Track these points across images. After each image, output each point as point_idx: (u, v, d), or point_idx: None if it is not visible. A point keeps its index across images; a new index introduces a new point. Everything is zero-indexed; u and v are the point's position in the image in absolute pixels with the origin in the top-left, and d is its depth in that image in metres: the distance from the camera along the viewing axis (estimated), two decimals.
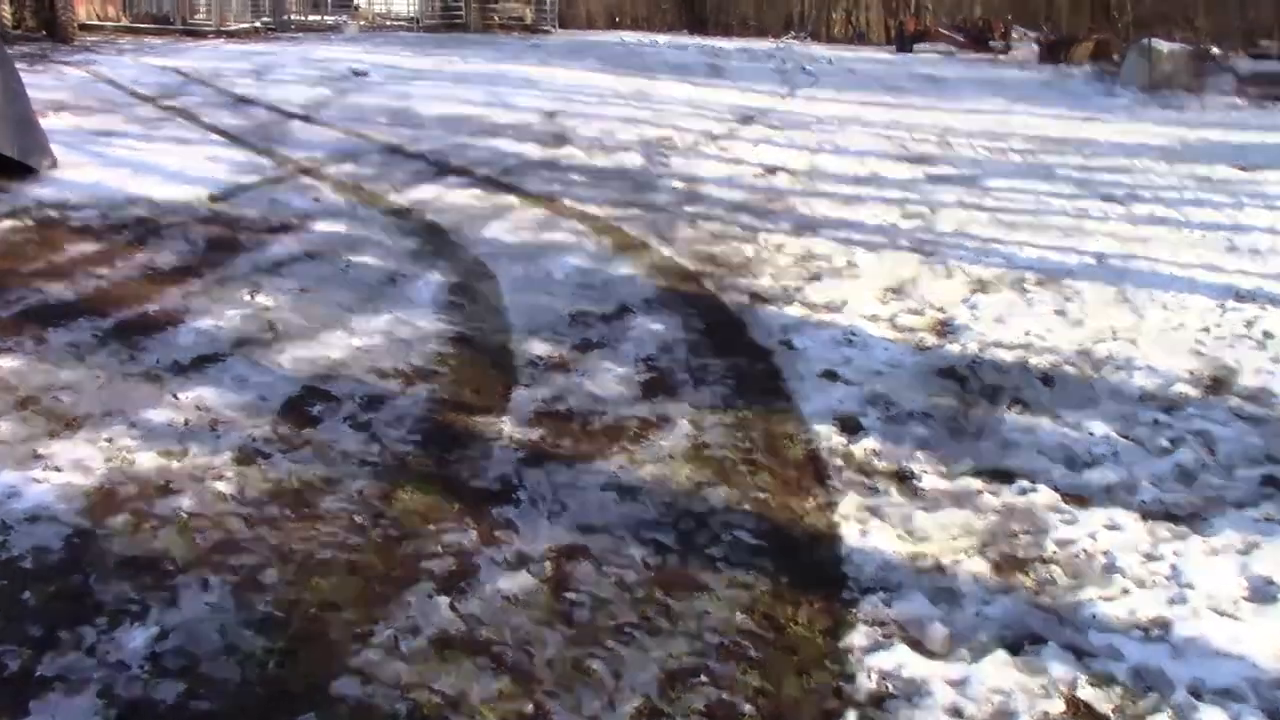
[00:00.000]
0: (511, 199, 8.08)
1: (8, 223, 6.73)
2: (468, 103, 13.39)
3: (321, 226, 6.97)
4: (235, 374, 4.33)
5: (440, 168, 9.20)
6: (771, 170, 9.63)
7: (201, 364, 4.43)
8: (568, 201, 8.06)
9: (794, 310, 5.62)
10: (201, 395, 4.08)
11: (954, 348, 5.11)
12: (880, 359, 4.92)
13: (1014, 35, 29.58)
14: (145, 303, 5.21)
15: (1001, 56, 26.62)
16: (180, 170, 8.57)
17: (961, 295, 6.02)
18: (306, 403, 4.10)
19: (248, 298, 5.35)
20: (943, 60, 25.18)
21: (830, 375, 4.67)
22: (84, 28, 23.84)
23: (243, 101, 13.09)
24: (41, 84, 13.44)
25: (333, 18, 31.71)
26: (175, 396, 4.07)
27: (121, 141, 9.84)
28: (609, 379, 4.51)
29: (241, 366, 4.42)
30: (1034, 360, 4.95)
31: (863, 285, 6.15)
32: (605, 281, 5.98)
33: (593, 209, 7.83)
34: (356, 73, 16.16)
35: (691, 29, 39.28)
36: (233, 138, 10.39)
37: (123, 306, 5.12)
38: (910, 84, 18.63)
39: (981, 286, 6.22)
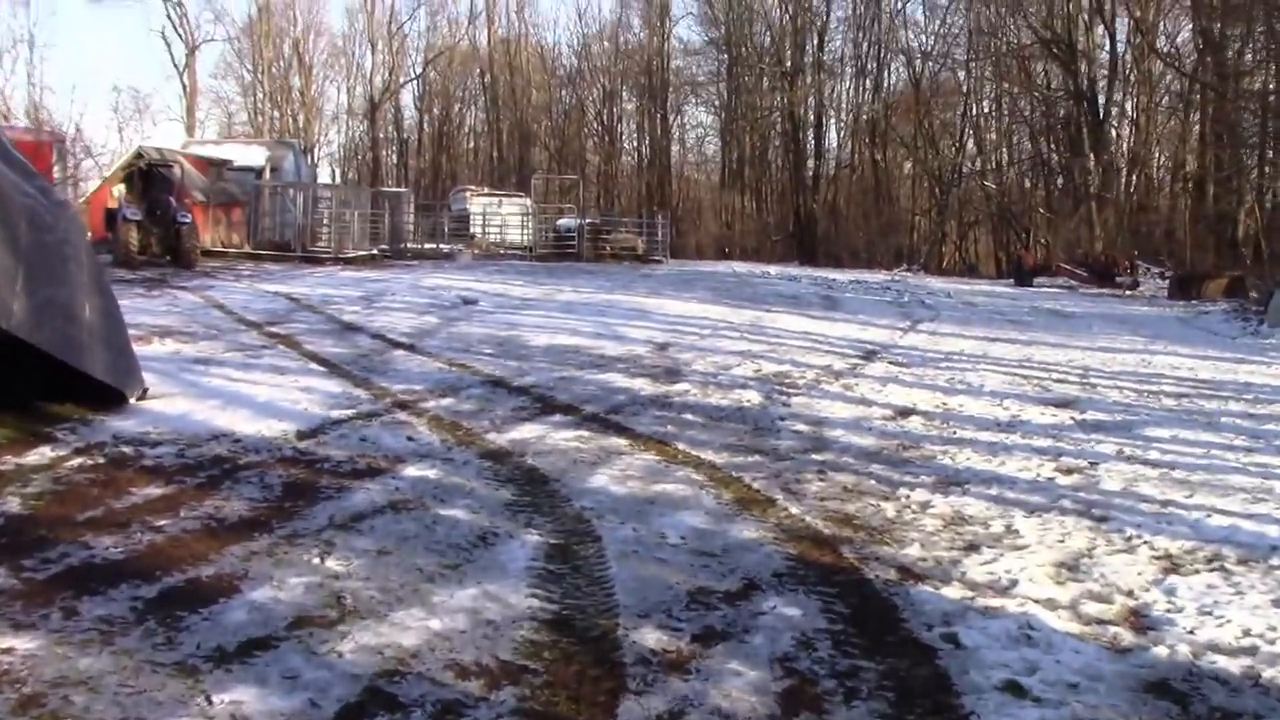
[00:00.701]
0: (620, 441, 7.38)
1: (77, 460, 6.23)
2: (576, 333, 12.97)
3: (411, 471, 6.32)
4: (286, 667, 3.57)
5: (545, 404, 8.60)
6: (903, 413, 8.83)
7: (248, 652, 3.68)
8: (681, 445, 7.33)
9: (954, 592, 4.70)
10: (240, 700, 3.33)
11: (1160, 651, 4.14)
12: (1072, 665, 3.96)
13: (1139, 270, 28.91)
14: (200, 564, 4.53)
15: (1129, 292, 25.85)
16: (272, 402, 8.11)
17: (1151, 576, 5.04)
18: (367, 713, 3.31)
19: (317, 561, 4.65)
20: (1065, 294, 24.51)
21: (1014, 689, 3.73)
22: (208, 254, 24.61)
23: (348, 329, 12.86)
24: (153, 309, 13.48)
25: (448, 246, 32.52)
26: (209, 700, 3.32)
27: (218, 370, 9.50)
28: (738, 686, 3.64)
29: (295, 657, 3.66)
30: (1268, 673, 3.94)
31: (1030, 559, 5.22)
32: (727, 548, 5.16)
33: (709, 455, 7.08)
34: (466, 300, 16.01)
35: (801, 260, 39.47)
36: (332, 366, 10.00)
37: (174, 569, 4.45)
38: (1036, 319, 17.89)
39: (1172, 565, 5.24)
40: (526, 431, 7.56)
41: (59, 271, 7.27)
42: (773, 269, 30.76)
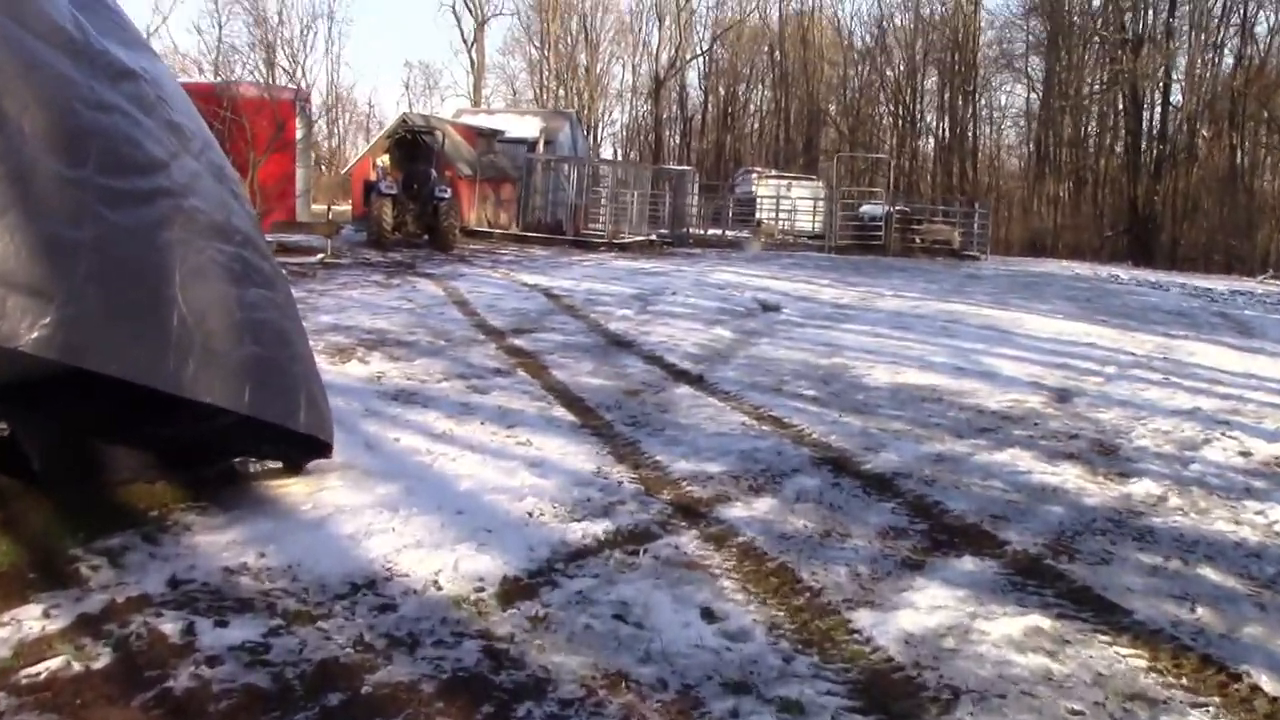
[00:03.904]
0: (1118, 651, 3.66)
1: (54, 660, 3.09)
2: (925, 365, 9.20)
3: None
4: None
5: (931, 524, 4.95)
6: None
7: None
8: (1236, 667, 3.54)
9: None
10: None
11: None
12: None
13: None
14: None
15: None
16: (477, 496, 4.88)
17: None
18: None
19: None
20: None
21: None
22: (470, 234, 22.20)
23: (614, 344, 9.58)
24: (379, 305, 10.67)
25: (733, 233, 29.15)
26: None
27: (420, 415, 6.38)
28: None
29: None
30: None
31: None
32: None
33: None
34: (766, 306, 12.49)
35: (1135, 261, 33.85)
36: (585, 415, 6.71)
37: None
38: None
39: None
40: (921, 603, 3.94)
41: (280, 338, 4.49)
42: (1119, 271, 25.72)
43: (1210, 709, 3.28)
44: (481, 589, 3.86)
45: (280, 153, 15.79)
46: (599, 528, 4.57)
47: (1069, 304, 15.55)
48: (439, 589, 3.84)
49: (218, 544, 4.13)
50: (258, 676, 3.10)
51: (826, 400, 7.59)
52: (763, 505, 5.05)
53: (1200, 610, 4.03)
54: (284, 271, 12.26)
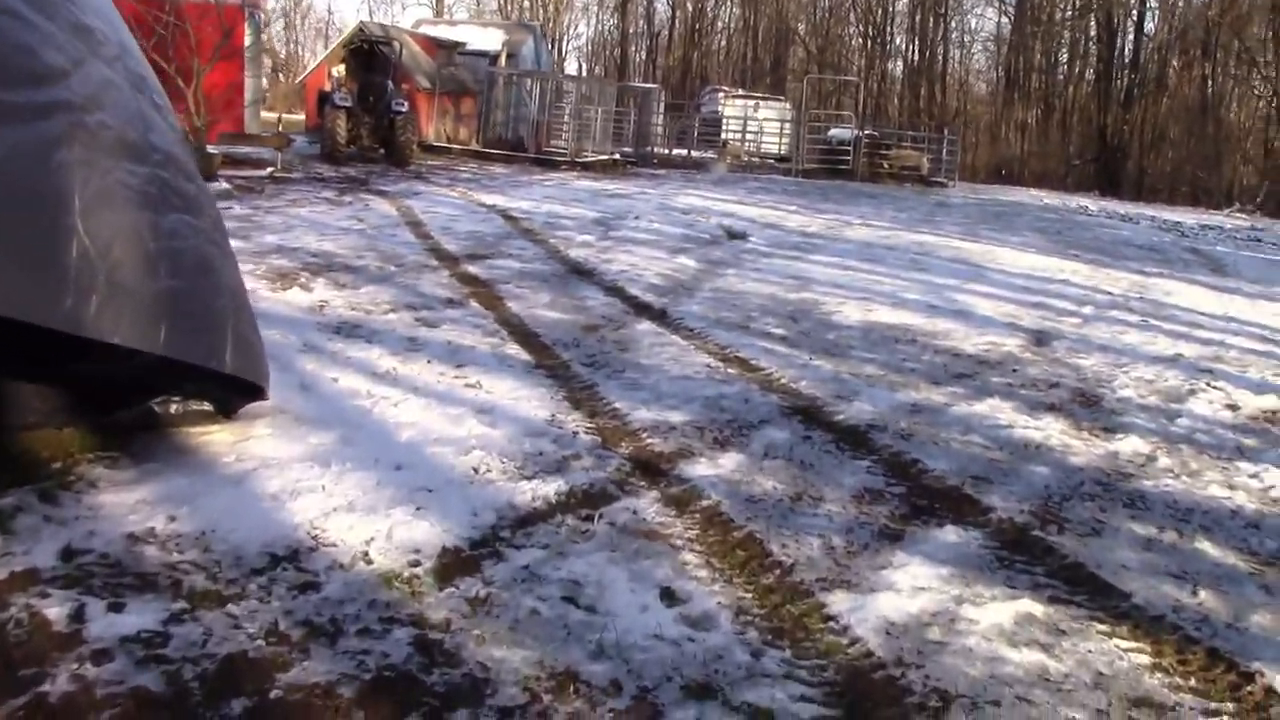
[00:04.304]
0: (1123, 644, 3.34)
1: None
2: (898, 301, 8.83)
3: None
4: None
5: (909, 486, 4.60)
6: None
7: None
8: (1247, 664, 3.23)
9: None
10: None
11: None
12: None
13: None
14: None
15: None
16: (418, 447, 4.46)
17: None
18: None
19: None
20: None
21: None
22: (429, 149, 21.49)
23: (574, 273, 9.12)
24: (327, 224, 10.13)
25: (698, 153, 28.54)
26: None
27: (364, 351, 5.93)
28: None
29: None
30: None
31: None
32: None
33: None
34: (731, 234, 12.04)
35: (1102, 191, 33.64)
36: (540, 353, 6.28)
37: None
38: None
39: None
40: (903, 584, 3.59)
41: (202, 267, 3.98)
42: (1088, 202, 25.43)
43: (1225, 717, 2.95)
44: (417, 563, 3.47)
45: (227, 61, 15.01)
46: (550, 488, 4.17)
47: (1040, 236, 15.23)
48: (369, 562, 3.43)
49: (124, 504, 3.70)
50: (150, 677, 2.69)
51: (795, 340, 7.21)
52: (729, 462, 4.67)
53: (1202, 594, 3.71)
54: (229, 188, 11.62)
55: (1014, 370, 6.83)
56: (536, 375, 5.83)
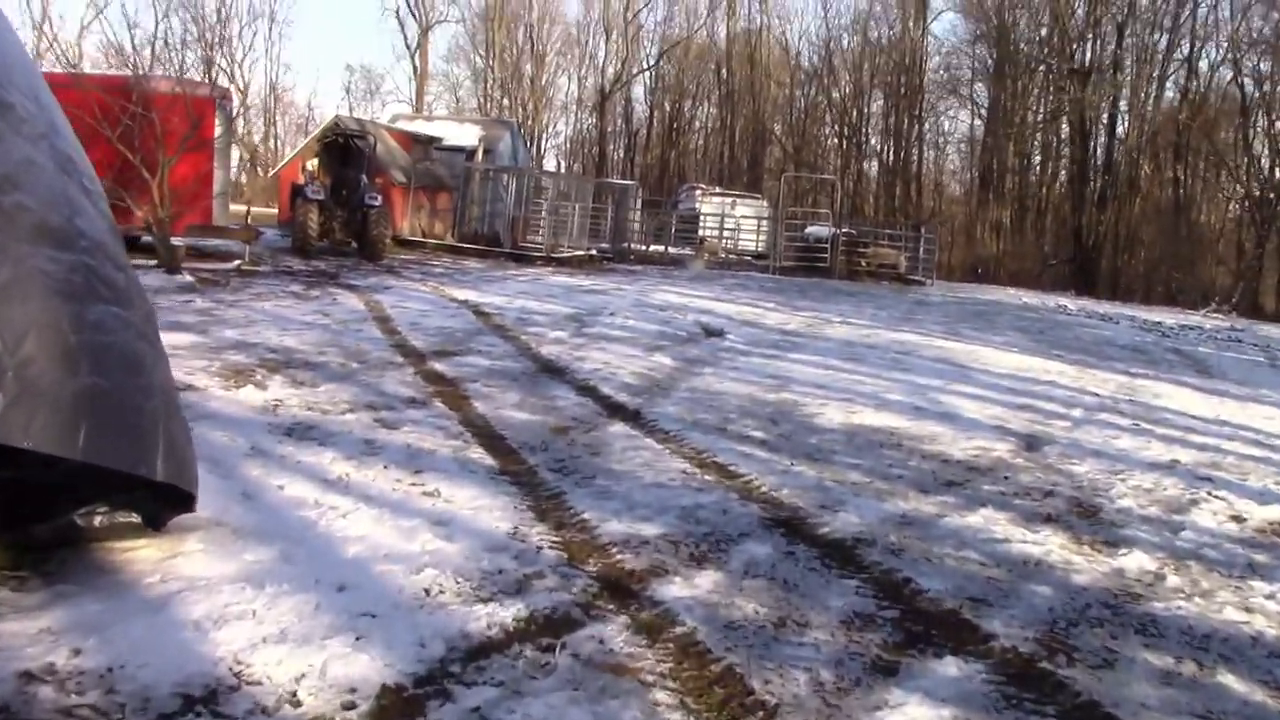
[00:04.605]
0: None
1: None
2: (880, 403, 8.51)
3: None
4: None
5: (903, 611, 4.23)
6: None
7: None
8: None
9: None
10: None
11: None
12: None
13: None
14: None
15: None
16: (367, 565, 4.08)
17: None
18: None
19: None
20: None
21: None
22: (403, 244, 21.27)
23: (544, 371, 8.78)
24: (290, 319, 9.78)
25: (676, 250, 28.47)
26: None
27: (316, 455, 5.54)
28: None
29: None
30: None
31: None
32: None
33: None
34: (709, 331, 11.75)
35: (1078, 290, 33.74)
36: (505, 458, 5.91)
37: None
38: None
39: None
40: None
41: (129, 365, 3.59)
42: (1066, 301, 25.40)
43: None
44: (352, 704, 3.05)
45: (196, 151, 14.78)
46: (508, 613, 3.77)
47: (1022, 336, 15.02)
48: (296, 705, 3.02)
49: (24, 634, 3.28)
50: None
51: (776, 444, 6.85)
52: (705, 581, 4.28)
53: None
54: (192, 280, 11.21)
55: (1005, 477, 6.48)
56: (500, 482, 5.45)
